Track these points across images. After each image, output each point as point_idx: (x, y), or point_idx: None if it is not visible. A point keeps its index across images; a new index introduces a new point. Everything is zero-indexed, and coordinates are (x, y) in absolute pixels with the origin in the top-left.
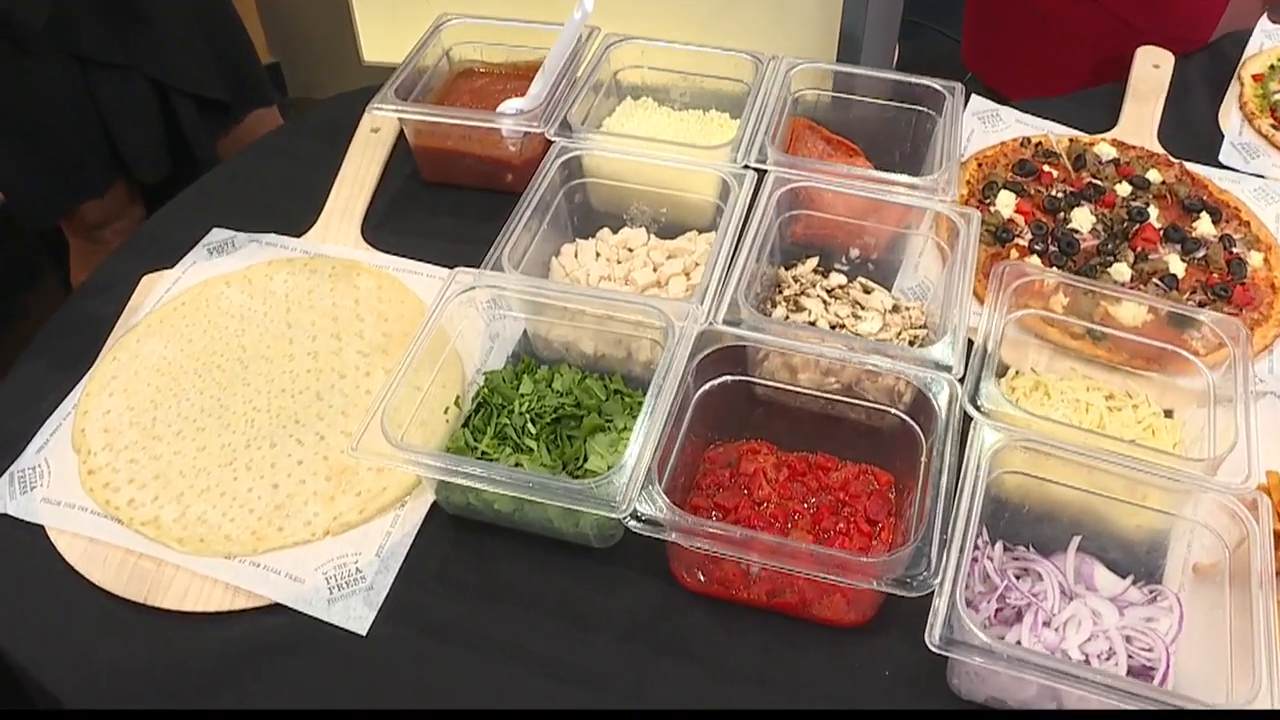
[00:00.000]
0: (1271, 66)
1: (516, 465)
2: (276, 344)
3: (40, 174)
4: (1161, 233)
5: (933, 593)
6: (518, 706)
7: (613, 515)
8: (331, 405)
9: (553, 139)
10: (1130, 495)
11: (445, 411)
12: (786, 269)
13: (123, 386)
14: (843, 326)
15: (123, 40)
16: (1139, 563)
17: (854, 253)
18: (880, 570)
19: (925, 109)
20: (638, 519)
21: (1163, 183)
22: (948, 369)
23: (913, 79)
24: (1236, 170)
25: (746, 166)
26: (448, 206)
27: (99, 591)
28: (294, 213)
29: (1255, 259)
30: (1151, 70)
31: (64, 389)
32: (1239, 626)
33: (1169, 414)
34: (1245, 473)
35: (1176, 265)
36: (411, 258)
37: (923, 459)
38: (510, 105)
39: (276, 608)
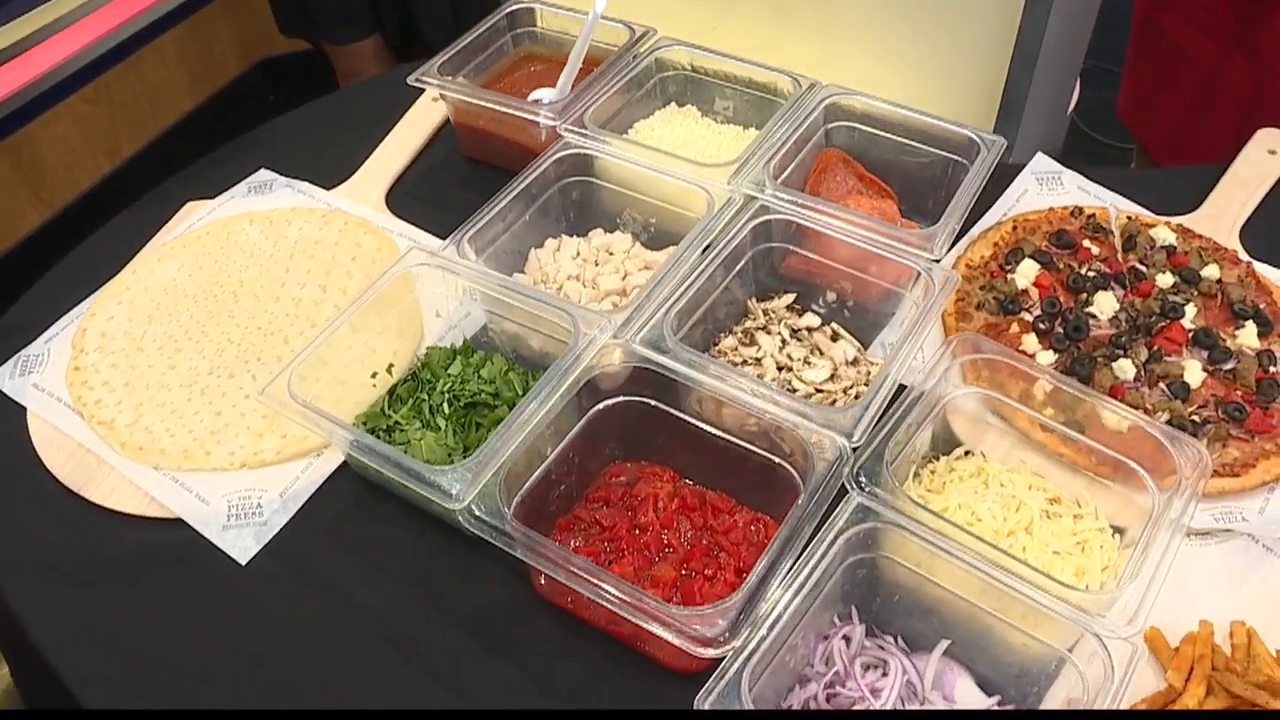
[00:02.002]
0: None
1: (420, 440)
2: (269, 285)
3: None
4: (1191, 335)
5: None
6: (344, 662)
7: (447, 506)
8: (294, 350)
9: (563, 133)
10: (1008, 613)
11: (373, 376)
12: (761, 300)
13: (131, 298)
14: (790, 369)
15: None
16: (1010, 684)
17: (830, 296)
18: (676, 621)
19: (960, 158)
20: (473, 516)
21: (1218, 281)
22: (848, 435)
23: (953, 125)
24: None
25: (750, 195)
26: (475, 184)
27: (46, 473)
28: (338, 166)
29: None
30: (1263, 155)
31: (91, 290)
32: None
33: (1120, 532)
34: (1130, 616)
35: (1194, 374)
36: (422, 227)
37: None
38: (541, 94)
39: (181, 524)
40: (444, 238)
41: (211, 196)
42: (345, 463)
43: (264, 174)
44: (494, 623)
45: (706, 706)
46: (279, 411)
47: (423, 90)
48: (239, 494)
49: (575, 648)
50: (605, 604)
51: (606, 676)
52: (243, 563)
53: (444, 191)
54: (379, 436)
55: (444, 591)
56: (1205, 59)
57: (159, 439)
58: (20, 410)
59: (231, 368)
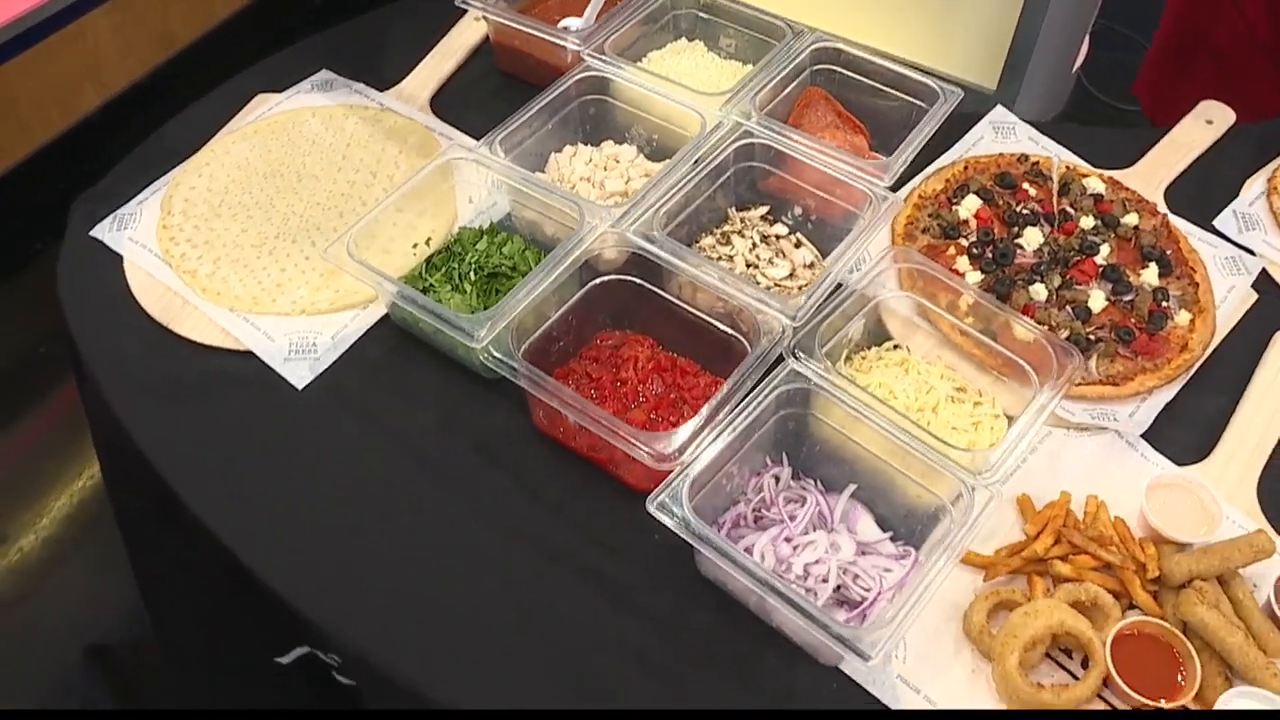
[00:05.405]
0: None
1: (450, 299)
2: (328, 170)
3: None
4: (1101, 269)
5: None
6: (375, 470)
7: (469, 345)
8: (347, 223)
9: (585, 57)
10: (908, 468)
11: (414, 246)
12: (740, 210)
13: (211, 172)
14: (756, 266)
15: None
16: (900, 524)
17: (798, 211)
18: (639, 440)
19: (923, 104)
20: (490, 355)
21: (1135, 227)
22: (791, 317)
23: (920, 76)
24: (1226, 237)
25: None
26: (508, 95)
27: (141, 310)
28: (392, 69)
29: (1183, 318)
30: (1201, 124)
31: (175, 163)
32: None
33: (1012, 419)
34: (999, 471)
35: (1097, 301)
36: (460, 129)
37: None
38: (570, 22)
39: (250, 355)
40: (478, 138)
41: (280, 90)
42: (386, 316)
43: (325, 74)
44: (499, 448)
45: (654, 508)
46: (339, 268)
47: (466, 9)
48: (298, 334)
49: (562, 470)
50: (586, 425)
51: (585, 493)
52: (299, 388)
53: (480, 99)
54: None
55: (460, 421)
56: (1233, 60)
57: (234, 286)
58: (117, 258)
59: (294, 234)
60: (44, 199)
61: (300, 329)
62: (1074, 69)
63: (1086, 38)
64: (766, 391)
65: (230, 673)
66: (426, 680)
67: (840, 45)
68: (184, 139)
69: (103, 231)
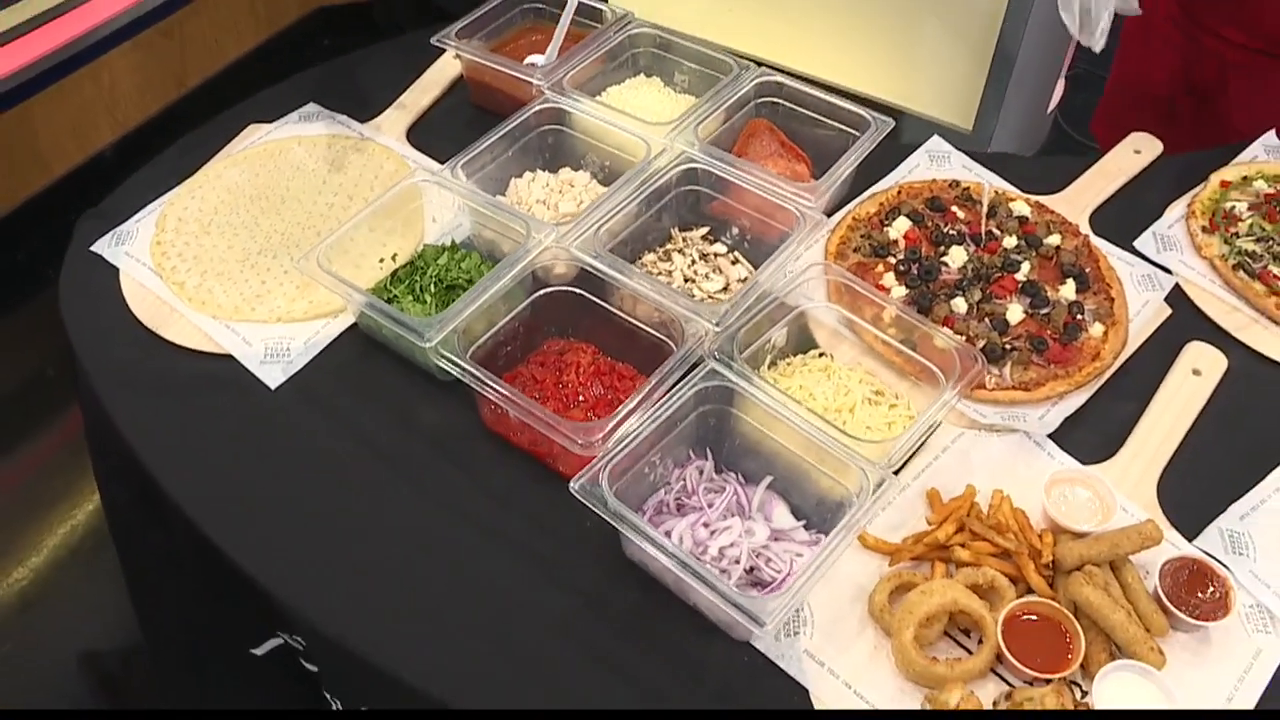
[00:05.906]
0: (1245, 177)
1: (411, 308)
2: (309, 193)
3: None
4: (1020, 285)
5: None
6: (338, 461)
7: (420, 345)
8: None
9: (544, 91)
10: (817, 460)
11: (380, 261)
12: (682, 230)
13: (203, 194)
14: (693, 281)
15: None
16: (814, 512)
17: (736, 231)
18: (566, 430)
19: (858, 134)
20: (441, 356)
21: (1057, 247)
22: (715, 322)
23: (854, 107)
24: (1145, 257)
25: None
26: (479, 126)
27: (132, 316)
28: (373, 103)
29: (1097, 329)
30: (1129, 153)
31: (172, 186)
32: None
33: None
34: (898, 458)
35: (1015, 314)
36: (433, 157)
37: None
38: (535, 59)
39: (229, 358)
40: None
41: (270, 121)
42: (355, 324)
43: (311, 106)
44: (451, 443)
45: (575, 489)
46: (310, 277)
47: (444, 49)
48: (274, 339)
49: (507, 463)
50: (522, 417)
51: (526, 483)
52: (272, 388)
53: (454, 130)
54: None
55: (416, 419)
56: (1171, 99)
57: (217, 296)
58: (114, 270)
59: (275, 250)
60: (57, 229)
61: (276, 335)
62: (1049, 110)
63: (1061, 81)
64: (686, 388)
65: (212, 670)
66: (380, 652)
67: (782, 79)
68: (181, 164)
69: (102, 247)
